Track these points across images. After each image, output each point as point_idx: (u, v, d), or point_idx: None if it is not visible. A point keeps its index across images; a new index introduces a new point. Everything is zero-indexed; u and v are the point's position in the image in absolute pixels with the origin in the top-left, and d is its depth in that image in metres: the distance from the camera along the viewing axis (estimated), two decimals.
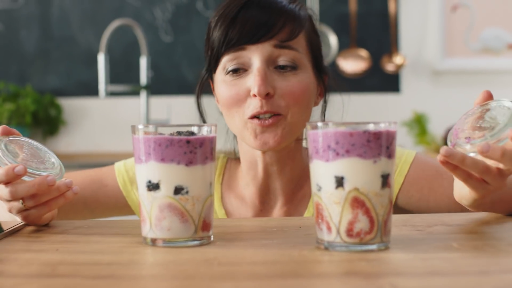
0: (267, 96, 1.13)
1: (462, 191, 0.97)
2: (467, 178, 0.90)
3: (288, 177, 1.25)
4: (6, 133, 1.02)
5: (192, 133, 0.87)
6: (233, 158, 1.33)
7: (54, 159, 1.03)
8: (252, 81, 1.14)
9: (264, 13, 1.15)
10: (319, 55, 1.23)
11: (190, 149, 0.86)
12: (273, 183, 1.25)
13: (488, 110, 0.94)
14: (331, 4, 3.23)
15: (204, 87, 1.28)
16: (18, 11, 3.23)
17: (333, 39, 3.17)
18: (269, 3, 1.16)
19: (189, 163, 0.86)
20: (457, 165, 0.88)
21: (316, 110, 1.26)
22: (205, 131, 0.88)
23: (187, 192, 0.86)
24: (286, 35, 1.15)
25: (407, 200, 1.21)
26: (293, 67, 1.16)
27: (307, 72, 1.19)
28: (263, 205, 1.26)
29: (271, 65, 1.16)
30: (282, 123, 1.16)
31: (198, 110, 1.30)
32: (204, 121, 1.30)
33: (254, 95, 1.14)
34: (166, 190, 0.86)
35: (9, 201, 0.97)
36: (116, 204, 1.28)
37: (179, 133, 0.86)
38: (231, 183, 1.29)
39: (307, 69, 1.19)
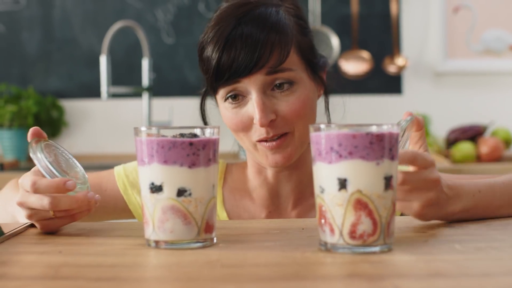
0: (270, 122, 1.14)
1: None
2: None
3: (299, 181, 1.26)
4: (39, 136, 1.01)
5: (195, 135, 0.87)
6: (232, 163, 1.33)
7: (79, 168, 1.02)
8: (253, 111, 1.14)
9: (250, 44, 1.11)
10: (311, 56, 1.21)
11: (193, 151, 0.86)
12: (283, 187, 1.26)
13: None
14: (332, 5, 3.23)
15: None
16: (20, 13, 3.23)
17: (334, 41, 3.17)
18: (255, 30, 1.12)
19: (192, 165, 0.86)
20: None
21: (319, 111, 1.26)
22: (208, 133, 0.88)
23: (190, 194, 0.86)
24: (275, 61, 1.13)
25: None
26: (289, 85, 1.16)
27: (304, 83, 1.18)
28: (274, 207, 1.26)
29: (268, 89, 1.15)
30: (290, 140, 1.17)
31: (202, 118, 1.30)
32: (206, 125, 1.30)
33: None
34: (169, 192, 0.86)
35: (37, 209, 0.96)
36: (115, 208, 1.28)
37: (182, 135, 0.87)
38: (236, 186, 1.29)
39: (303, 81, 1.18)
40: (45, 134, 1.02)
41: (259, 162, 1.21)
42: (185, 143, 0.86)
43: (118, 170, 1.29)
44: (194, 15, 3.22)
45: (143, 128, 0.88)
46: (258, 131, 1.15)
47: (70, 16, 3.23)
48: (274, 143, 1.15)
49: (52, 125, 3.17)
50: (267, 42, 1.12)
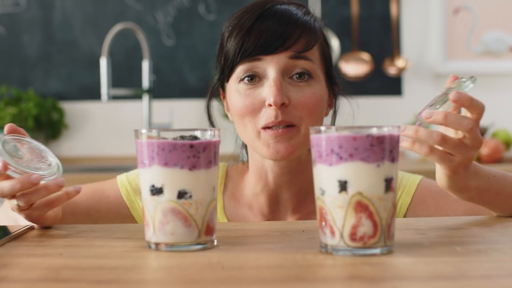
0: (282, 106, 1.13)
1: (438, 173, 1.00)
2: (430, 152, 0.93)
3: (298, 188, 1.25)
4: (13, 132, 1.03)
5: (195, 138, 0.87)
6: (234, 164, 1.33)
7: (52, 158, 1.03)
8: (267, 91, 1.14)
9: (280, 24, 1.15)
10: (330, 66, 1.24)
11: (194, 153, 0.86)
12: (283, 193, 1.25)
13: (448, 90, 0.96)
14: (333, 7, 3.23)
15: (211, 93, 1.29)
16: (20, 15, 3.24)
17: (335, 43, 3.17)
18: (285, 15, 1.16)
19: (192, 167, 0.86)
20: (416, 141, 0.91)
21: (326, 120, 1.26)
22: (208, 135, 0.88)
23: (190, 197, 0.86)
24: (302, 46, 1.15)
25: None
26: (308, 77, 1.16)
27: (321, 83, 1.19)
28: (272, 215, 1.25)
29: (286, 76, 1.16)
30: (296, 134, 1.15)
31: (208, 117, 1.30)
32: (213, 126, 1.29)
33: (269, 105, 1.13)
34: (169, 194, 0.86)
35: (8, 199, 0.99)
36: (118, 215, 1.27)
37: (182, 137, 0.87)
38: (235, 193, 1.29)
39: (320, 80, 1.19)
40: (22, 130, 1.04)
41: (259, 153, 1.18)
42: (185, 145, 0.86)
43: (121, 178, 1.29)
44: (194, 17, 3.22)
45: (144, 131, 0.88)
46: (267, 115, 1.14)
47: (70, 18, 3.24)
48: (280, 130, 1.14)
49: (52, 127, 3.17)
50: (298, 26, 1.15)
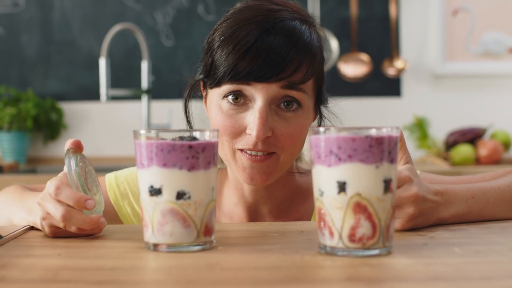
0: (265, 138, 1.07)
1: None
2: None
3: (278, 202, 1.21)
4: (78, 147, 1.01)
5: (194, 138, 0.87)
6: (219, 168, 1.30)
7: (100, 190, 1.03)
8: (251, 120, 1.08)
9: (279, 50, 1.05)
10: (322, 85, 1.16)
11: (193, 154, 0.86)
12: (262, 206, 1.21)
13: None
14: (332, 8, 3.23)
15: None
16: (19, 15, 3.23)
17: (334, 43, 3.17)
18: (287, 37, 1.07)
19: (191, 168, 0.86)
20: None
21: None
22: (207, 136, 0.88)
23: (189, 197, 0.86)
24: (297, 79, 1.07)
25: None
26: (297, 106, 1.09)
27: (308, 112, 1.12)
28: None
29: (273, 104, 1.09)
30: (274, 161, 1.10)
31: (186, 116, 1.25)
32: (191, 127, 1.23)
33: (250, 134, 1.07)
34: (168, 195, 0.86)
35: (44, 211, 0.97)
36: (105, 216, 1.25)
37: (181, 138, 0.86)
38: (218, 201, 1.24)
39: (308, 109, 1.12)
40: (83, 148, 1.02)
41: (234, 173, 1.13)
42: (184, 146, 0.86)
43: (110, 179, 1.26)
44: (193, 18, 3.22)
45: (142, 131, 0.88)
46: (245, 140, 1.08)
47: (70, 19, 3.24)
48: (257, 157, 1.08)
49: (51, 128, 3.17)
50: (298, 54, 1.07)
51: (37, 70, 3.23)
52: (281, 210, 1.22)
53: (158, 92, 3.15)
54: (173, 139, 0.86)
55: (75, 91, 3.23)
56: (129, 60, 3.21)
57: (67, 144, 1.01)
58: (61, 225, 0.95)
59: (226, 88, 1.09)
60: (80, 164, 0.99)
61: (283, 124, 1.09)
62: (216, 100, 1.12)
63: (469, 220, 1.04)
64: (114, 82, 3.04)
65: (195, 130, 0.88)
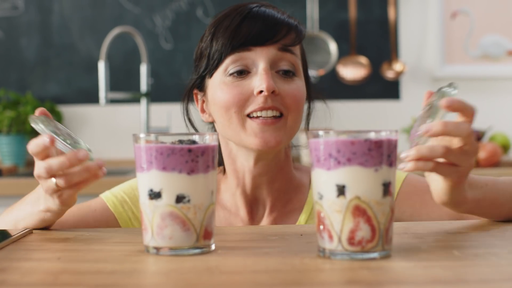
0: (272, 94, 1.14)
1: (438, 188, 0.98)
2: (436, 167, 0.92)
3: (277, 188, 1.24)
4: (44, 115, 1.02)
5: (193, 142, 0.87)
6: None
7: (81, 141, 1.02)
8: (257, 80, 1.15)
9: (268, 20, 1.17)
10: (307, 68, 1.27)
11: (192, 157, 0.86)
12: (261, 193, 1.24)
13: (430, 105, 0.95)
14: (330, 11, 3.23)
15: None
16: (18, 19, 3.24)
17: (332, 46, 3.18)
18: (271, 14, 1.19)
19: (191, 171, 0.86)
20: (420, 159, 0.90)
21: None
22: (206, 139, 0.88)
23: (189, 201, 0.86)
24: (290, 41, 1.18)
25: (400, 216, 1.21)
26: (293, 73, 1.18)
27: (302, 79, 1.21)
28: (251, 215, 1.24)
29: (273, 69, 1.17)
30: (283, 125, 1.16)
31: (188, 119, 1.29)
32: (195, 130, 1.28)
33: (259, 93, 1.14)
34: (168, 198, 0.86)
35: (45, 179, 0.97)
36: (108, 226, 1.25)
37: (180, 141, 0.87)
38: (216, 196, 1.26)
39: (302, 77, 1.22)
40: (49, 114, 1.03)
41: (245, 144, 1.17)
42: (184, 149, 0.86)
43: (105, 194, 1.28)
44: (192, 21, 3.22)
45: (142, 135, 0.88)
46: (255, 102, 1.15)
47: (69, 22, 3.24)
48: (268, 119, 1.15)
49: None
50: (285, 24, 1.18)
51: (36, 73, 3.24)
52: (277, 196, 1.25)
53: (157, 95, 3.16)
54: (172, 143, 0.86)
55: (74, 94, 3.23)
56: (128, 63, 3.21)
57: (35, 113, 1.02)
58: (52, 184, 0.96)
59: (228, 60, 1.17)
60: (49, 126, 0.98)
61: (286, 86, 1.17)
62: (220, 79, 1.18)
63: (482, 208, 1.04)
64: (113, 85, 3.04)
65: (195, 134, 0.88)
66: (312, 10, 3.18)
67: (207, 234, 0.89)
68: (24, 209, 1.10)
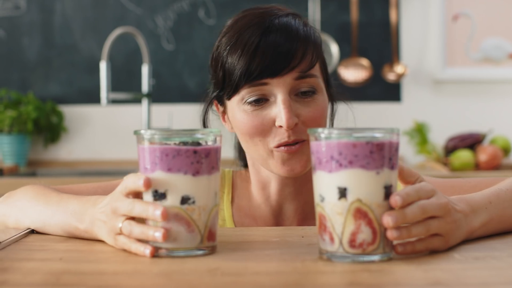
0: (294, 126, 1.13)
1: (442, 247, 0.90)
2: (417, 248, 0.86)
3: (305, 199, 1.24)
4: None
5: (198, 143, 0.87)
6: (238, 170, 1.31)
7: None
8: (276, 112, 1.13)
9: (283, 41, 1.13)
10: (327, 71, 1.24)
11: (197, 159, 0.87)
12: (288, 205, 1.24)
13: None
14: (332, 13, 3.23)
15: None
16: (20, 19, 3.24)
17: (334, 48, 3.18)
18: (287, 29, 1.15)
19: (196, 173, 0.86)
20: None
21: None
22: (211, 141, 0.89)
23: (193, 202, 0.86)
24: (306, 66, 1.14)
25: None
26: (313, 92, 1.16)
27: (323, 94, 1.19)
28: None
29: (292, 94, 1.15)
30: (306, 148, 1.14)
31: (203, 126, 1.28)
32: None
33: (280, 126, 1.12)
34: (173, 200, 0.86)
35: (116, 216, 0.90)
36: None
37: (184, 143, 0.87)
38: (240, 202, 1.27)
39: (323, 91, 1.19)
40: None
41: (272, 170, 1.17)
42: (189, 151, 0.86)
43: None
44: (194, 22, 3.23)
45: (147, 135, 0.88)
46: (279, 136, 1.13)
47: (70, 22, 3.24)
48: (293, 147, 1.13)
49: (52, 131, 3.17)
50: (300, 42, 1.14)
51: (38, 73, 3.24)
52: (306, 209, 1.24)
53: (158, 96, 3.16)
54: (176, 144, 0.87)
55: (76, 94, 3.24)
56: (129, 64, 3.21)
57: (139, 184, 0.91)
58: (123, 240, 0.90)
59: (245, 92, 1.15)
60: None
61: (306, 109, 1.15)
62: (238, 106, 1.16)
63: (492, 229, 0.98)
64: (114, 86, 3.04)
65: (199, 133, 0.88)
66: (314, 12, 3.18)
67: (211, 236, 0.89)
68: (59, 215, 1.03)
